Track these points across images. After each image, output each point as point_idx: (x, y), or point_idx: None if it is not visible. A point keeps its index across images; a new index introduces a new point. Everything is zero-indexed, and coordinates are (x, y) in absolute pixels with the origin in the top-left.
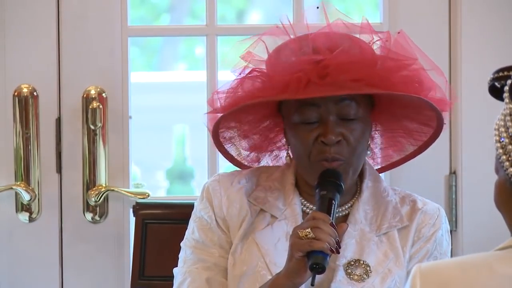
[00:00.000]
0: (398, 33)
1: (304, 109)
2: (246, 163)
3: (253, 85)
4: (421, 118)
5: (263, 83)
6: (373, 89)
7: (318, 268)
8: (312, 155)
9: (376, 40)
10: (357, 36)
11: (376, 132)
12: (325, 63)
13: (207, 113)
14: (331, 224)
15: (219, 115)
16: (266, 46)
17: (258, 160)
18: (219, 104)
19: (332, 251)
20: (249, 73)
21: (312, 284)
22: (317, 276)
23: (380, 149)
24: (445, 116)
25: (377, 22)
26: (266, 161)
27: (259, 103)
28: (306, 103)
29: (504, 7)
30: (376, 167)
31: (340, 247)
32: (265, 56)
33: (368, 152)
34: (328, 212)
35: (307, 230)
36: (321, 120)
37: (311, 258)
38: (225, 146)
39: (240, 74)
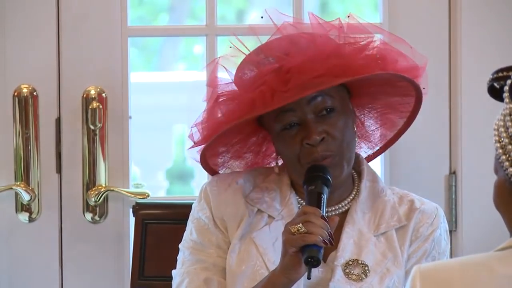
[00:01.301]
0: (348, 16)
1: (281, 116)
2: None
3: (226, 108)
4: (398, 91)
5: (234, 103)
6: (336, 79)
7: (313, 261)
8: (301, 158)
9: (329, 30)
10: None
11: (363, 116)
12: (284, 68)
13: (189, 148)
14: (322, 217)
15: (203, 147)
16: (225, 68)
17: (253, 165)
18: (199, 136)
19: (325, 243)
20: (217, 98)
21: (309, 278)
22: (316, 275)
23: (373, 131)
24: (424, 80)
25: (377, 22)
26: (258, 159)
27: (237, 124)
28: (281, 111)
29: (504, 7)
30: (375, 149)
31: (333, 239)
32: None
33: (356, 139)
34: (318, 206)
35: (298, 225)
36: (301, 122)
37: (305, 252)
38: (220, 172)
39: (209, 101)
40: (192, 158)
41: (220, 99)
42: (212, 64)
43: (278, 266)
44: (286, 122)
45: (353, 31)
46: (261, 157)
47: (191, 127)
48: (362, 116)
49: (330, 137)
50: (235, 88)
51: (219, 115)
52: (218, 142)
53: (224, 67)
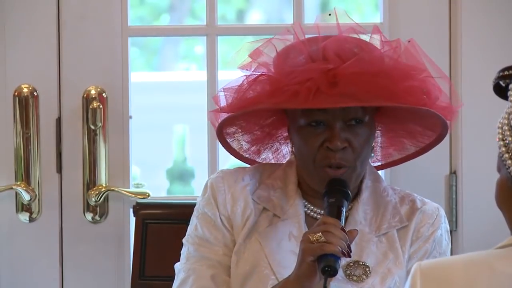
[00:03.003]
0: (409, 41)
1: (311, 113)
2: (247, 156)
3: (262, 88)
4: (425, 123)
5: (271, 86)
6: (380, 101)
7: (330, 271)
8: (317, 160)
9: (386, 50)
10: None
11: (378, 131)
12: (335, 72)
13: (212, 111)
14: (342, 229)
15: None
16: (276, 49)
17: (259, 153)
18: (225, 102)
19: (344, 254)
20: (258, 76)
21: (325, 287)
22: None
23: (381, 147)
24: (450, 123)
25: (377, 22)
26: (267, 154)
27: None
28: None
29: (504, 7)
30: (375, 164)
31: (351, 251)
32: (272, 55)
33: (372, 155)
34: (338, 218)
35: (318, 234)
36: (327, 124)
37: (323, 261)
38: (227, 140)
39: (248, 71)
40: (210, 120)
41: (259, 75)
42: (264, 40)
43: (292, 274)
44: (314, 119)
45: (407, 56)
46: (268, 138)
47: (220, 90)
48: (378, 131)
49: (351, 148)
50: (271, 66)
51: (251, 92)
52: (240, 116)
53: (275, 47)
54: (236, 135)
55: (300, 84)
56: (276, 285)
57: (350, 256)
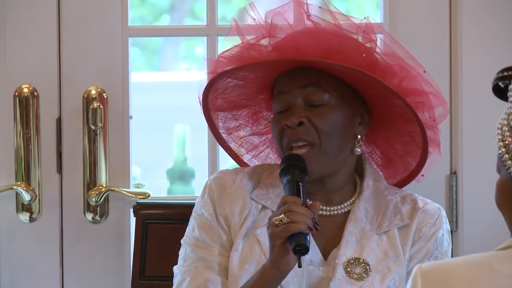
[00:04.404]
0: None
1: (276, 98)
2: (244, 150)
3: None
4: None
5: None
6: (324, 61)
7: (301, 249)
8: (283, 143)
9: (366, 42)
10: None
11: (378, 152)
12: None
13: (209, 59)
14: (303, 205)
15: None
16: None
17: (256, 148)
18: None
19: (310, 229)
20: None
21: (299, 266)
22: (317, 274)
23: (397, 156)
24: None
25: (378, 22)
26: (263, 148)
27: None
28: (278, 92)
29: (504, 7)
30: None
31: (318, 224)
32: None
33: (358, 150)
34: (298, 194)
35: (281, 216)
36: (289, 107)
37: (292, 241)
38: (223, 135)
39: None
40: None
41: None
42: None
43: (267, 260)
44: (280, 106)
45: (368, 31)
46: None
47: (219, 57)
48: (377, 152)
49: (311, 124)
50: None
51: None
52: (237, 72)
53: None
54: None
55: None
56: (255, 274)
57: (318, 229)
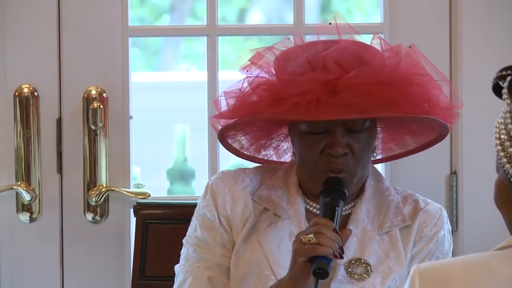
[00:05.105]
0: (410, 47)
1: (312, 121)
2: (247, 153)
3: (263, 96)
4: (427, 124)
5: (272, 95)
6: (381, 112)
7: (321, 273)
8: (319, 166)
9: (387, 56)
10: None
11: (379, 127)
12: (335, 82)
13: (213, 116)
14: (334, 230)
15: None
16: (275, 55)
17: (259, 151)
18: (225, 106)
19: (335, 256)
20: (259, 85)
21: None
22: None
23: (381, 142)
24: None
25: (378, 22)
26: (268, 151)
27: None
28: None
29: (504, 7)
30: (376, 158)
31: (343, 253)
32: (273, 59)
33: (375, 155)
34: (332, 218)
35: (310, 236)
36: (328, 130)
37: (314, 263)
38: (229, 142)
39: (247, 75)
40: (211, 124)
41: (261, 87)
42: (266, 50)
43: (286, 274)
44: (315, 127)
45: (407, 62)
46: (271, 138)
47: (220, 95)
48: (379, 128)
49: (352, 153)
50: (272, 71)
51: (253, 97)
52: (243, 121)
53: (274, 53)
54: (238, 136)
55: (301, 95)
56: (271, 286)
57: (342, 258)
